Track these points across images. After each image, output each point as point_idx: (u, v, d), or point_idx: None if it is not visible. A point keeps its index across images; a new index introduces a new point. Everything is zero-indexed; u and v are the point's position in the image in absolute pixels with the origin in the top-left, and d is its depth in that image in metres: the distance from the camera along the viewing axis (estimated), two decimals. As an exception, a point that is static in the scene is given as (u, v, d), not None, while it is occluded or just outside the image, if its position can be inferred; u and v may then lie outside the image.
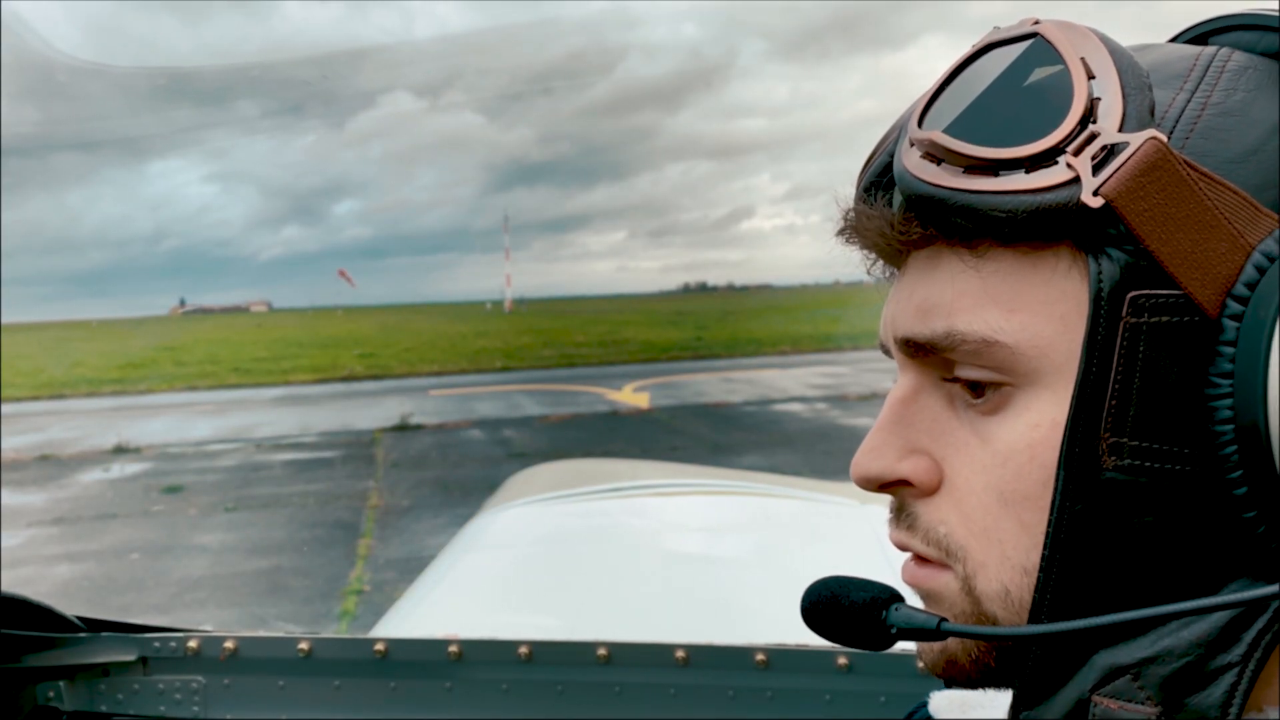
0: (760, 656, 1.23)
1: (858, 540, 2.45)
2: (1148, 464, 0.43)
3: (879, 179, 0.54)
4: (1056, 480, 0.44)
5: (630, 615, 2.05)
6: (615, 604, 2.13)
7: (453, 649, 1.27)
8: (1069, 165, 0.43)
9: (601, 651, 1.26)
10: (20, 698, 1.23)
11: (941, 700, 0.65)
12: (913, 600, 0.52)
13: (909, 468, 0.51)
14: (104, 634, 1.27)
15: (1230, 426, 0.42)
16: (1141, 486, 0.43)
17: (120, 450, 13.93)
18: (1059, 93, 0.45)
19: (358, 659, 1.29)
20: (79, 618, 1.26)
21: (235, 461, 12.86)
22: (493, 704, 1.27)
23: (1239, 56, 0.49)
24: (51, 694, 1.25)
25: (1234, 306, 0.42)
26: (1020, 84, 0.46)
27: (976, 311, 0.47)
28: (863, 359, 23.99)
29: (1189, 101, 0.46)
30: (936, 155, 0.47)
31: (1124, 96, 0.44)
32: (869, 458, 0.52)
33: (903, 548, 0.53)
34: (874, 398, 16.29)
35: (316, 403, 19.49)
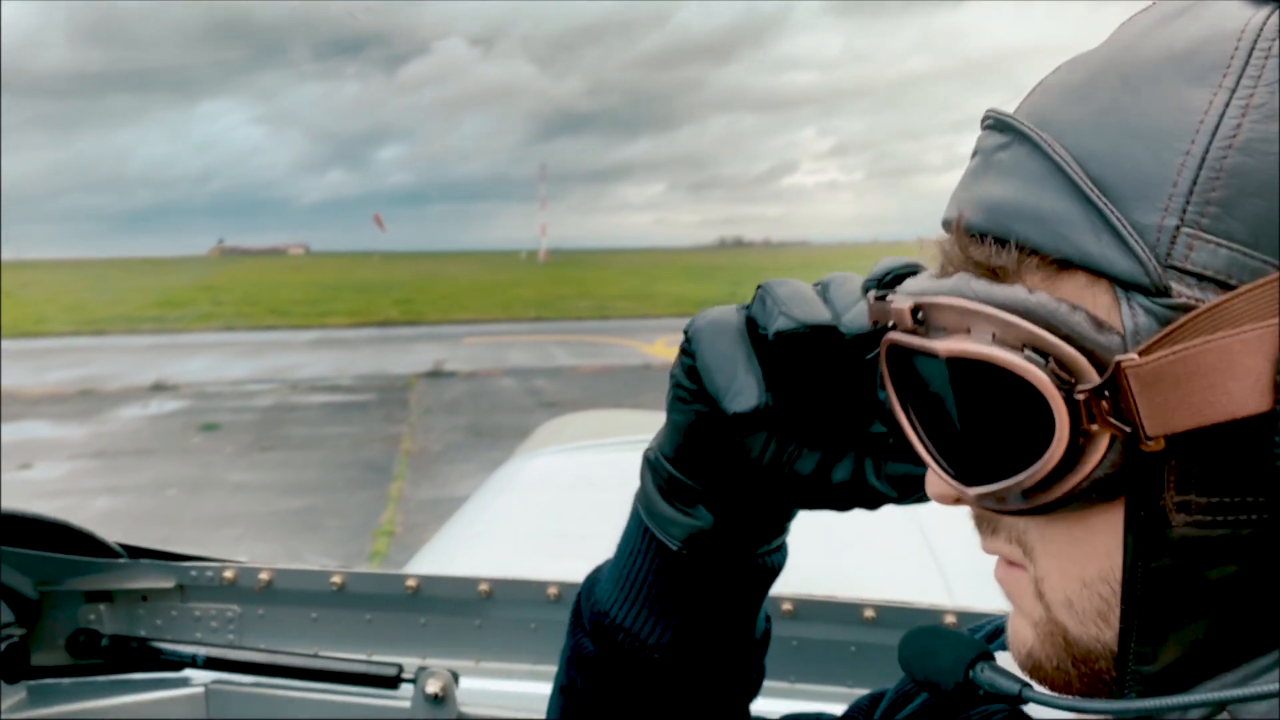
0: (787, 605, 1.23)
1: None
2: (1220, 517, 0.40)
3: None
4: (1125, 544, 0.42)
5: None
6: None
7: (483, 587, 1.29)
8: (1098, 443, 0.40)
9: (629, 595, 1.27)
10: (62, 617, 1.27)
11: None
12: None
13: None
14: (143, 561, 1.30)
15: None
16: (1218, 539, 0.40)
17: (159, 387, 14.17)
18: (1024, 406, 0.41)
19: (389, 594, 1.31)
20: (120, 545, 1.29)
21: (271, 402, 13.04)
22: (521, 642, 1.29)
23: None
24: (93, 616, 1.28)
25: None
26: (980, 411, 0.44)
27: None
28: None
29: (1228, 104, 0.39)
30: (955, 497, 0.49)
31: (1065, 339, 0.40)
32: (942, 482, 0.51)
33: (993, 553, 0.52)
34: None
35: (352, 346, 19.68)
